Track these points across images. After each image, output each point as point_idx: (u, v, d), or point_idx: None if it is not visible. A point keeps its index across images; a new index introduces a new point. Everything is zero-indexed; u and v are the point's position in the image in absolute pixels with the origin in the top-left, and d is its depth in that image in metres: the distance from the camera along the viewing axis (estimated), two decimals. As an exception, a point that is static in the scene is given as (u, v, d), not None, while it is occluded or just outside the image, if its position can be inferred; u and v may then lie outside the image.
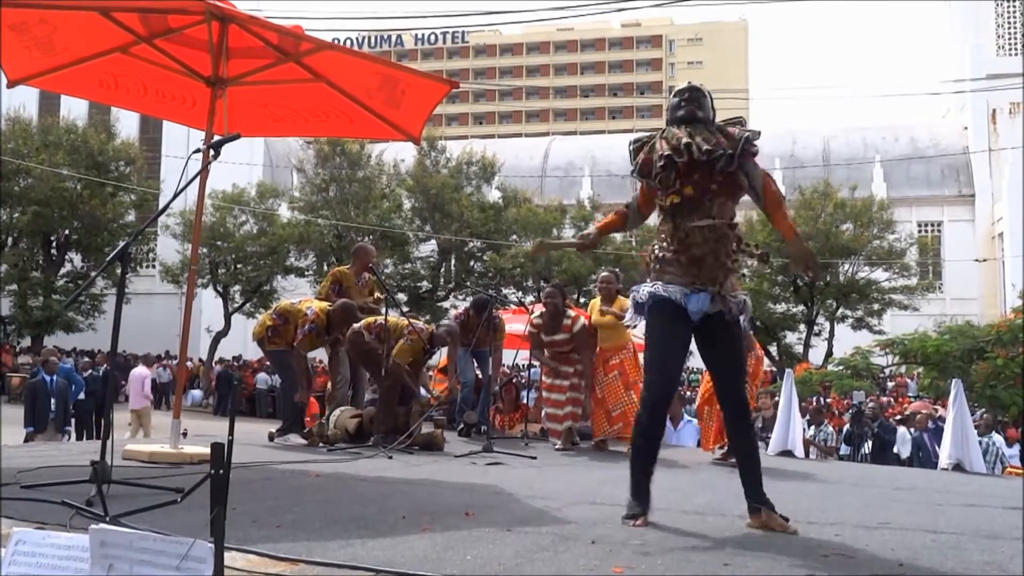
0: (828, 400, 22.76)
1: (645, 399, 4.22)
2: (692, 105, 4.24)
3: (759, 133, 4.26)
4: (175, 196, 4.22)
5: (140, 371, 17.30)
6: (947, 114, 50.84)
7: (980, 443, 10.82)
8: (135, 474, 4.50)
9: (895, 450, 14.25)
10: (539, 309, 8.90)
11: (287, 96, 6.77)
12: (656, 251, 4.30)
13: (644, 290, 4.27)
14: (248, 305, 35.35)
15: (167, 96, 6.73)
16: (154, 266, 39.58)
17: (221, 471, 1.99)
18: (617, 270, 8.90)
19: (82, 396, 15.15)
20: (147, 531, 2.26)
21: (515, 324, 11.71)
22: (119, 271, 4.06)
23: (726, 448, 7.86)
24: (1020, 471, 12.33)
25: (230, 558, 2.82)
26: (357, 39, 73.51)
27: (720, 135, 4.17)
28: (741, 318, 4.24)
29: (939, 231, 46.83)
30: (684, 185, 4.15)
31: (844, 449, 14.15)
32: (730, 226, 4.21)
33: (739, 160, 4.12)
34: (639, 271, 32.80)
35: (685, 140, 4.11)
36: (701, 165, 4.11)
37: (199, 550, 1.91)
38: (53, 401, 12.62)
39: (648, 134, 4.43)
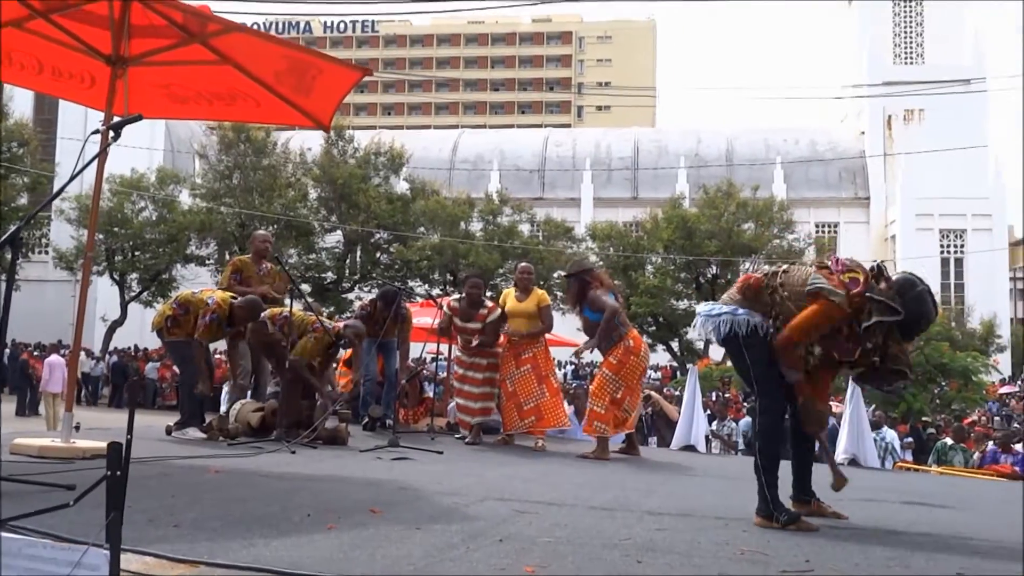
0: (727, 395, 23.16)
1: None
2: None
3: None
4: (71, 178, 4.00)
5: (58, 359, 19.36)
6: (845, 119, 52.41)
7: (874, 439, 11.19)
8: (24, 470, 4.29)
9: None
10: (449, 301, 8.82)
11: (192, 78, 6.52)
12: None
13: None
14: (146, 294, 34.38)
15: (65, 74, 6.42)
16: (47, 252, 38.19)
17: (118, 472, 1.86)
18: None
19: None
20: (37, 535, 2.12)
21: (422, 317, 11.60)
22: (9, 256, 3.86)
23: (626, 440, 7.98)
24: (910, 465, 12.78)
25: (125, 560, 2.68)
26: (264, 24, 72.04)
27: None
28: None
29: (836, 232, 48.29)
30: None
31: (741, 444, 14.41)
32: None
33: None
34: (545, 265, 32.99)
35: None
36: None
37: (93, 557, 1.79)
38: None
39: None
